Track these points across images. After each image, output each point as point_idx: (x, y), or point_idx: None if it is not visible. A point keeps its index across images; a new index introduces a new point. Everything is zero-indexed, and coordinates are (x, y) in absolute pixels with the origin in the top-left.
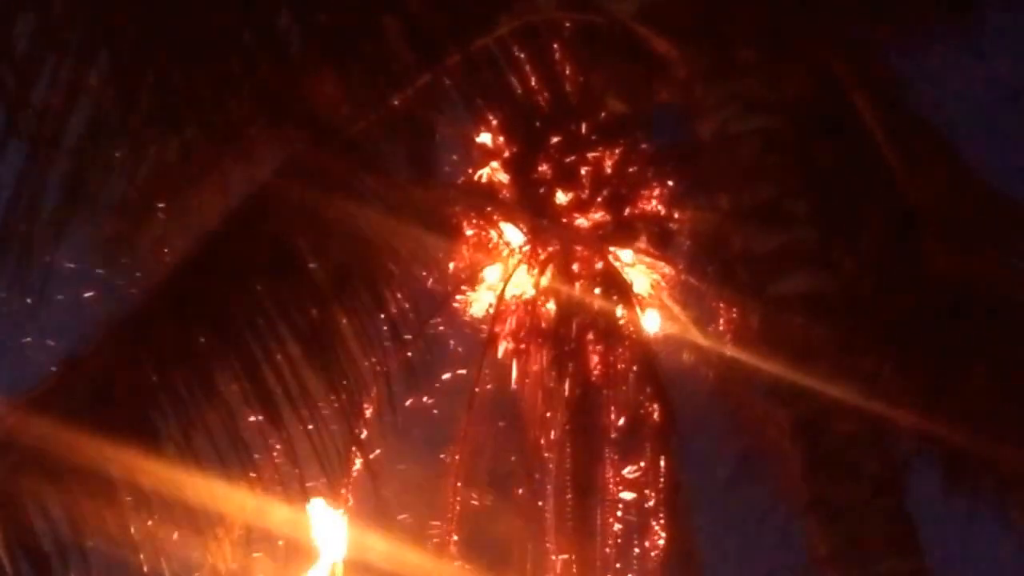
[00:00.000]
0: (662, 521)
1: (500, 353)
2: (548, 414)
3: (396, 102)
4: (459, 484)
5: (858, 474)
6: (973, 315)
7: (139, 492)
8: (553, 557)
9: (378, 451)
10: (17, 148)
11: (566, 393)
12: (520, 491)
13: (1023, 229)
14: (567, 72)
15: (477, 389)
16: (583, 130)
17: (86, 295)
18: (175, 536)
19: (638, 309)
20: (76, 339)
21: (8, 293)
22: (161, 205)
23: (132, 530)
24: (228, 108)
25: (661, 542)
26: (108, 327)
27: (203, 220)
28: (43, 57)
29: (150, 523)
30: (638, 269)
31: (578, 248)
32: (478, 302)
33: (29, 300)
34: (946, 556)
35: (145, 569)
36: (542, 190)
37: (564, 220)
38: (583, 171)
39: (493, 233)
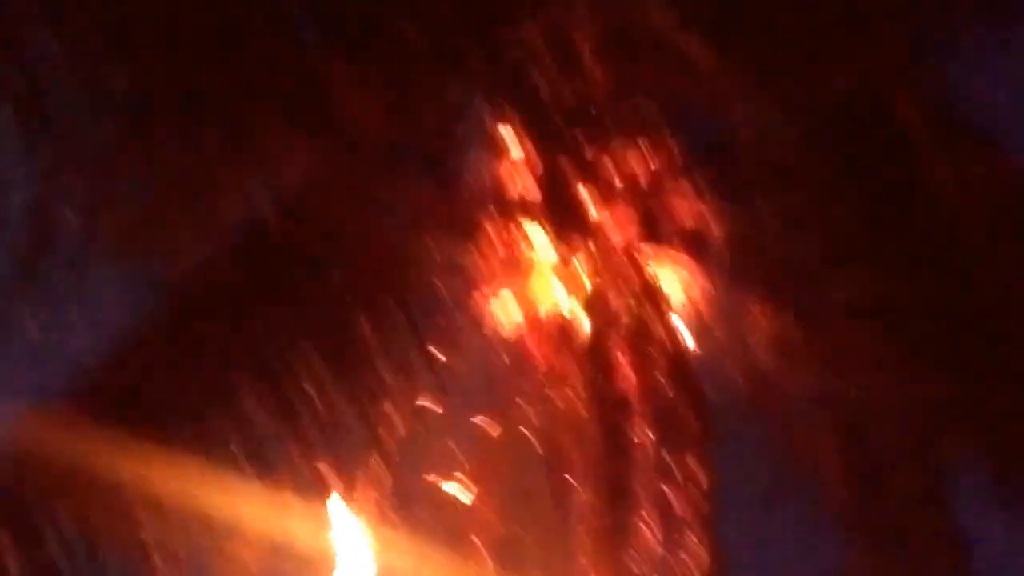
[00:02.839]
0: (697, 536)
1: (528, 364)
2: (581, 429)
3: (419, 106)
4: (487, 495)
5: (901, 488)
6: (1017, 315)
7: (154, 500)
8: (584, 570)
9: (401, 461)
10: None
11: (599, 407)
12: (552, 506)
13: None
14: (597, 73)
15: (505, 401)
16: (612, 132)
17: (104, 304)
18: (190, 545)
19: (673, 318)
20: (90, 348)
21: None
22: (179, 216)
23: (146, 540)
24: (250, 114)
25: (696, 557)
26: (123, 336)
27: (223, 228)
28: (59, 63)
29: (165, 532)
30: (672, 277)
31: (609, 255)
32: (505, 311)
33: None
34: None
35: None
36: (570, 195)
37: (594, 226)
38: (614, 175)
39: (520, 240)
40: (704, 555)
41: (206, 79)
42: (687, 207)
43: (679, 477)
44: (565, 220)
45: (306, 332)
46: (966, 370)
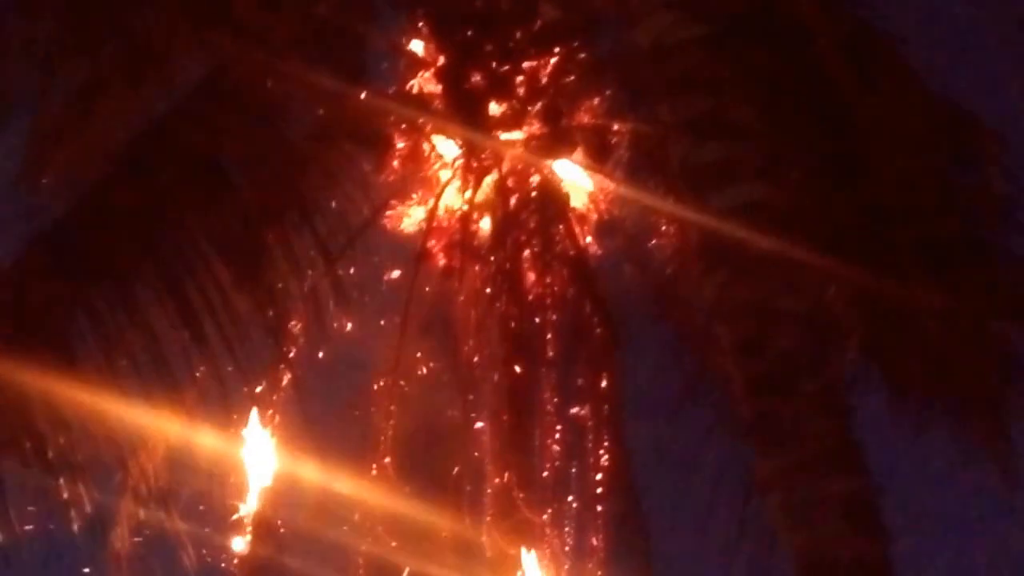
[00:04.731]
0: (603, 443)
1: (433, 271)
2: (483, 333)
3: (323, 9)
4: (392, 406)
5: (801, 393)
6: (919, 223)
7: (57, 414)
8: (491, 479)
9: (307, 370)
10: None
11: (502, 311)
12: (455, 412)
13: (968, 136)
14: None
15: (409, 308)
16: (518, 38)
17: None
18: (95, 459)
19: (576, 224)
20: None
21: None
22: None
23: (49, 453)
24: (145, 18)
25: (602, 463)
26: (25, 245)
27: (125, 136)
28: None
29: (68, 446)
30: (576, 182)
31: (513, 161)
32: (410, 218)
33: None
34: (894, 474)
35: (64, 494)
36: (476, 101)
37: (498, 132)
38: (518, 81)
39: (425, 146)
40: (609, 460)
41: None
42: (590, 112)
43: (584, 384)
44: (471, 126)
45: (210, 241)
46: (865, 279)
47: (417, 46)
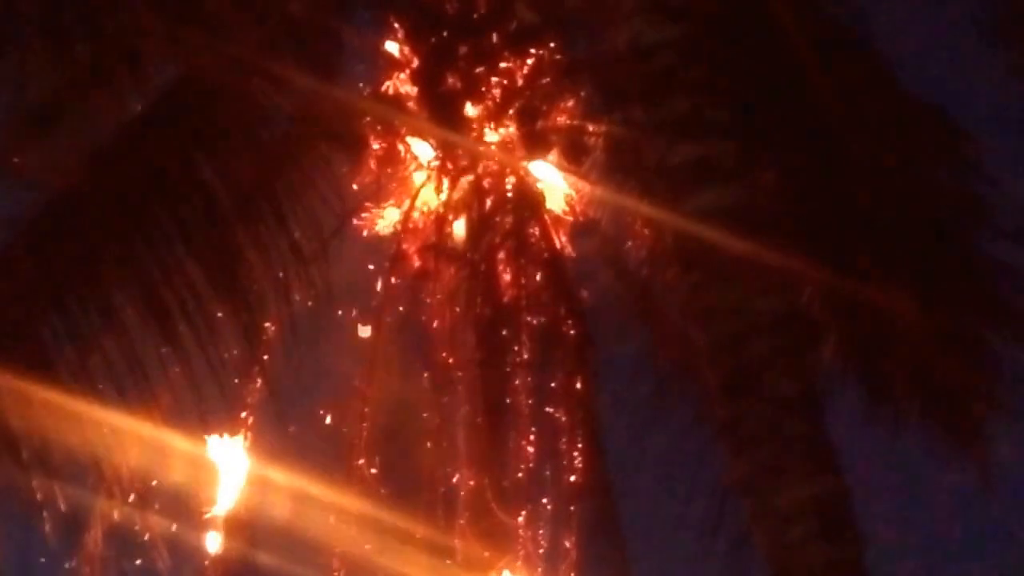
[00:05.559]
0: (577, 444)
1: (407, 272)
2: (458, 335)
3: (299, 7)
4: (366, 408)
5: (773, 396)
6: (897, 229)
7: (31, 415)
8: (465, 481)
9: (280, 372)
10: None
11: (476, 313)
12: (429, 414)
13: (944, 138)
14: None
15: (384, 309)
16: (493, 40)
17: None
18: (69, 461)
19: (551, 225)
20: None
21: None
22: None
23: (23, 455)
24: (119, 17)
25: (576, 465)
26: None
27: (97, 134)
28: None
29: (42, 448)
30: (551, 184)
31: (488, 162)
32: (384, 219)
33: None
34: (869, 475)
35: (37, 495)
36: (451, 102)
37: (474, 133)
38: (493, 82)
39: (400, 147)
40: (583, 462)
41: None
42: (567, 115)
43: (558, 386)
44: (446, 127)
45: (184, 242)
46: (841, 280)
47: (392, 47)
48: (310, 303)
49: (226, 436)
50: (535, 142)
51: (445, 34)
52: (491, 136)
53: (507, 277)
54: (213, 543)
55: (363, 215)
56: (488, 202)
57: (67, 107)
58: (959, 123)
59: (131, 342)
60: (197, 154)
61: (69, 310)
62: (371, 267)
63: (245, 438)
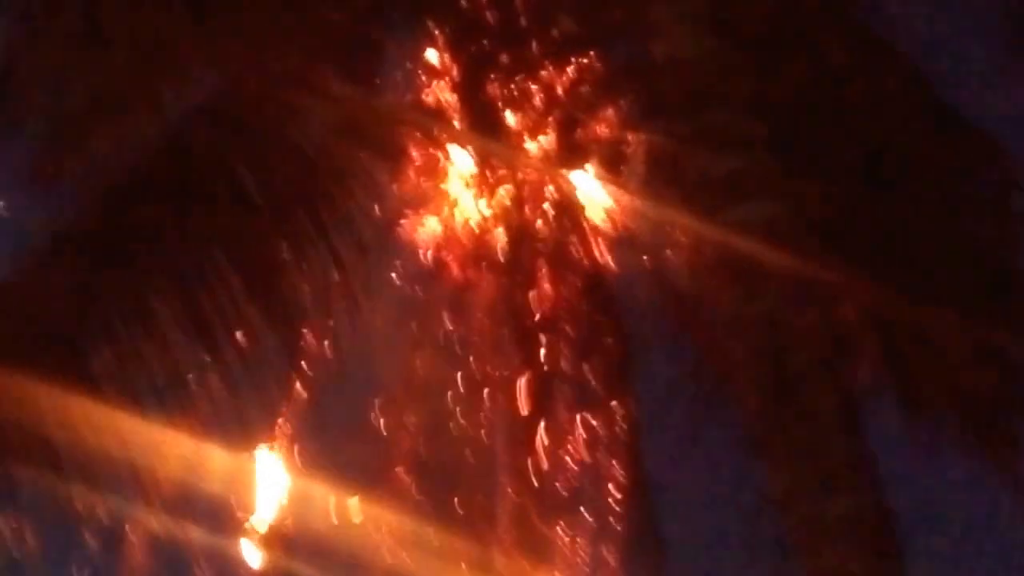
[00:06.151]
0: (618, 457)
1: (447, 282)
2: (497, 346)
3: (339, 17)
4: (406, 418)
5: (814, 409)
6: (937, 243)
7: (71, 426)
8: (505, 493)
9: (320, 382)
10: None
11: (516, 324)
12: (469, 425)
13: (988, 158)
14: None
15: (423, 319)
16: (533, 49)
17: (15, 220)
18: (109, 471)
19: (591, 236)
20: (2, 268)
21: None
22: (92, 127)
23: (63, 465)
24: (161, 27)
25: (617, 478)
26: (40, 256)
27: (138, 143)
28: None
29: (83, 458)
30: (591, 194)
31: (528, 171)
32: (424, 229)
33: None
34: (909, 491)
35: (78, 506)
36: (492, 112)
37: (514, 143)
38: (534, 92)
39: (440, 156)
40: (624, 475)
41: None
42: (607, 126)
43: (598, 397)
44: (486, 137)
45: (224, 251)
46: (881, 295)
47: (433, 56)
48: (350, 313)
49: (265, 446)
50: (575, 152)
51: (485, 43)
52: (531, 145)
53: (546, 287)
54: (252, 554)
55: (402, 224)
56: (528, 211)
57: (107, 116)
58: (999, 138)
59: (171, 351)
60: (237, 163)
61: (109, 319)
62: (411, 276)
63: (284, 448)
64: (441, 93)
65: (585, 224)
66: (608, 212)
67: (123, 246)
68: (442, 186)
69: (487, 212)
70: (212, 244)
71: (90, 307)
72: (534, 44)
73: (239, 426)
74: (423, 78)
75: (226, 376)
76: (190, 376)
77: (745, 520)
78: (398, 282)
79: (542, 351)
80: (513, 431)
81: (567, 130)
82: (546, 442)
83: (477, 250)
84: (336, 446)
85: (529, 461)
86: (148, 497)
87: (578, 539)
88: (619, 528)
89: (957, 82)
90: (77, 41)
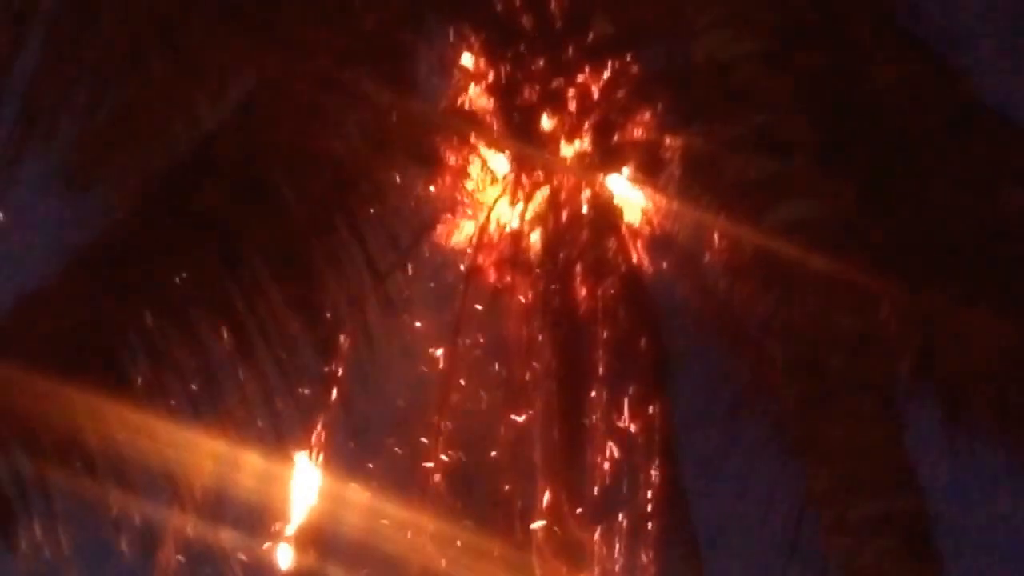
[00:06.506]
0: (654, 460)
1: (483, 286)
2: (534, 350)
3: (373, 22)
4: (441, 423)
5: (854, 411)
6: (975, 245)
7: (106, 430)
8: (541, 496)
9: (355, 387)
10: None
11: (553, 328)
12: (505, 429)
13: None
14: None
15: (459, 324)
16: (570, 52)
17: (50, 228)
18: (144, 475)
19: (628, 239)
20: (39, 274)
21: None
22: (128, 135)
23: (98, 470)
24: (196, 33)
25: (653, 481)
26: (74, 261)
27: (174, 150)
28: None
29: (118, 462)
30: (628, 198)
31: (564, 175)
32: (460, 233)
33: None
34: (948, 494)
35: (113, 512)
36: (527, 116)
37: (550, 147)
38: (569, 95)
39: (476, 160)
40: (659, 477)
41: None
42: (643, 129)
43: (634, 399)
44: (522, 141)
45: (260, 257)
46: (920, 297)
47: (468, 60)
48: (385, 317)
49: (300, 450)
50: (611, 155)
51: (521, 47)
52: (567, 149)
53: (583, 291)
54: (286, 558)
55: (438, 229)
56: (564, 215)
57: (142, 123)
58: None
59: (205, 356)
60: (272, 169)
61: (144, 325)
62: (447, 280)
63: (319, 453)
64: (476, 97)
65: (622, 227)
66: (645, 215)
67: (157, 252)
68: (478, 191)
69: (523, 216)
70: (248, 250)
71: (126, 313)
72: (570, 48)
73: (273, 431)
74: (458, 82)
75: (261, 381)
76: (226, 381)
77: (783, 522)
78: (434, 286)
79: (578, 354)
80: (549, 434)
81: (603, 134)
82: (582, 445)
83: (513, 254)
84: (371, 450)
85: (565, 464)
86: (182, 502)
87: (615, 542)
88: (656, 531)
89: (984, 72)
90: (113, 50)
